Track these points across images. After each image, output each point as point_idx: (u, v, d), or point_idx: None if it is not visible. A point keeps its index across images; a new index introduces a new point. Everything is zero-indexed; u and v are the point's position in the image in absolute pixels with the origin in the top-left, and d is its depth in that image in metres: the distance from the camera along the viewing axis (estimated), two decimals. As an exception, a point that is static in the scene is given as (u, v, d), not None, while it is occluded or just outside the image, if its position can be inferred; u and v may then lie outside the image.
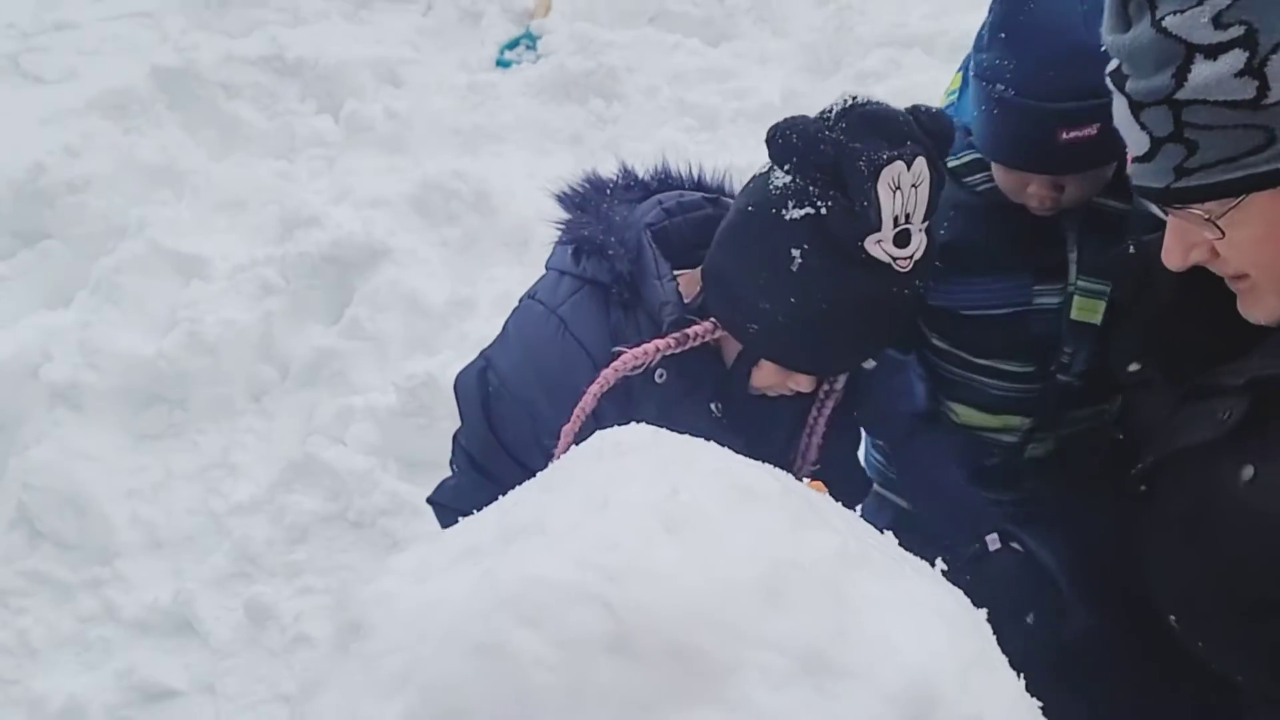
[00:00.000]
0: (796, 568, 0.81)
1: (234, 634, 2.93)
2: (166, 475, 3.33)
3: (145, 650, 2.90)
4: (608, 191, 1.60)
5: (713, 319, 1.47)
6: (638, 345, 1.46)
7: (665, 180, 1.65)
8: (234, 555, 3.10)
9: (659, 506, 0.84)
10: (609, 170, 1.66)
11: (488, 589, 0.79)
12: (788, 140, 1.34)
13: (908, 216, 1.32)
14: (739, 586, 0.79)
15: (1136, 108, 1.10)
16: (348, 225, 3.91)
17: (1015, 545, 1.55)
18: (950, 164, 1.65)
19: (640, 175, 1.65)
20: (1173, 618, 1.31)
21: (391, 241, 3.86)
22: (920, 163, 1.30)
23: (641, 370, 1.47)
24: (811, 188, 1.33)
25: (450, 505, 1.71)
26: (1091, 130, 1.42)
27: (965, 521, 1.62)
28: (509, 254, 4.09)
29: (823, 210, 1.32)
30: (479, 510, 1.66)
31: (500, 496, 1.60)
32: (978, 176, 1.64)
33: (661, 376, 1.48)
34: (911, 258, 1.34)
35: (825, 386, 1.61)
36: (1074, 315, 1.64)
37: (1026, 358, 1.70)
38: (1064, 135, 1.43)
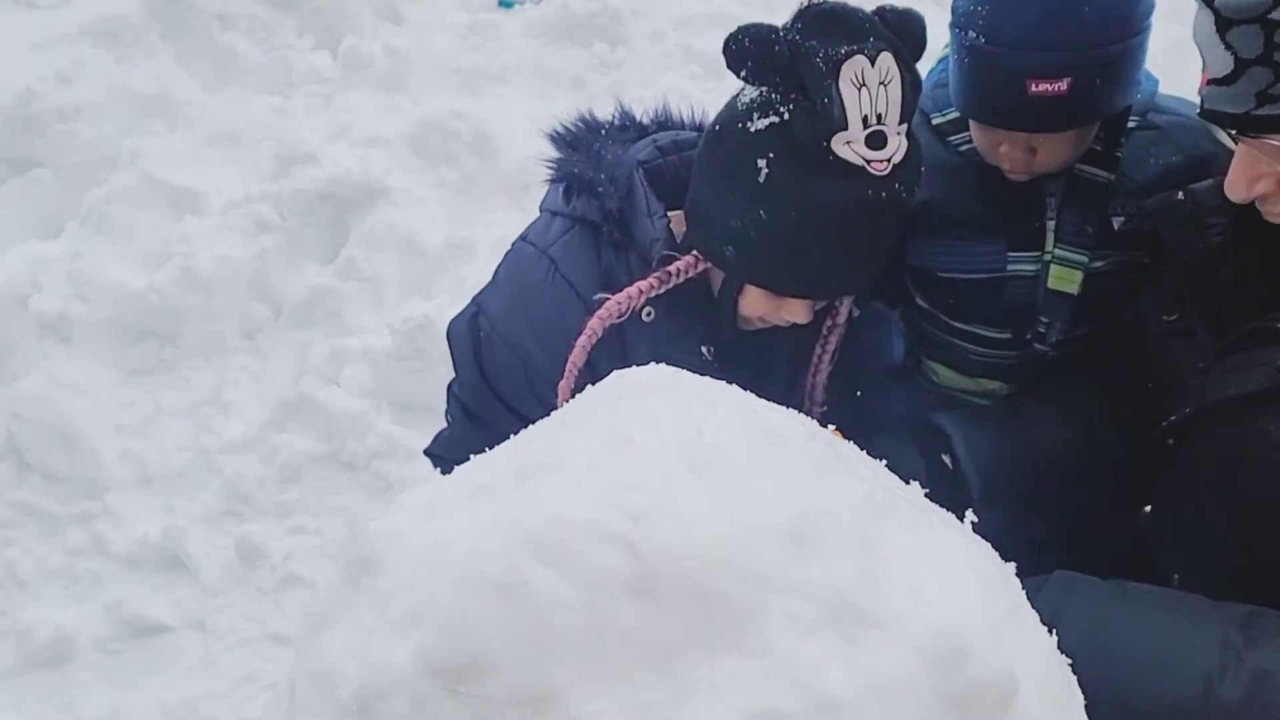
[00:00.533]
0: (824, 515, 0.78)
1: (224, 572, 2.91)
2: (157, 411, 3.30)
3: (135, 585, 2.89)
4: (602, 131, 1.55)
5: (695, 251, 1.43)
6: (622, 290, 1.43)
7: (665, 124, 1.60)
8: (225, 493, 3.08)
9: (683, 447, 0.81)
10: (607, 112, 1.62)
11: (505, 526, 0.76)
12: (741, 45, 1.29)
13: (879, 117, 1.26)
14: (765, 531, 0.76)
15: (1224, 25, 1.04)
16: (344, 164, 3.84)
17: (945, 458, 1.56)
18: (934, 121, 1.63)
19: (638, 117, 1.61)
20: (1177, 576, 1.30)
21: (389, 181, 3.80)
22: (886, 59, 1.25)
23: (627, 315, 1.44)
24: (774, 95, 1.29)
25: (447, 457, 1.67)
26: (1061, 85, 1.37)
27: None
28: (508, 198, 4.03)
29: (785, 116, 1.28)
30: None
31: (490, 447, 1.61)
32: (961, 135, 1.60)
33: (649, 315, 1.45)
34: (889, 160, 1.28)
35: (828, 322, 1.56)
36: (1050, 285, 1.61)
37: (1002, 324, 1.67)
38: (1032, 87, 1.38)
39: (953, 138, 1.61)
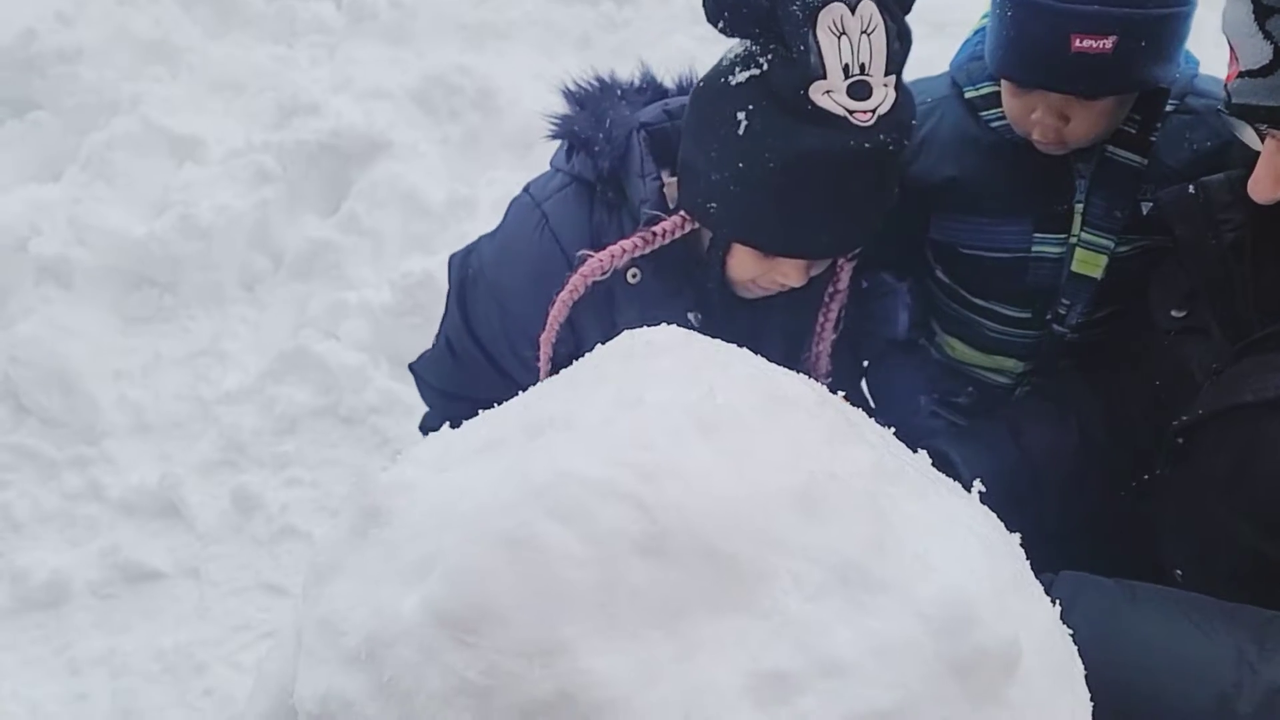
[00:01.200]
0: (834, 479, 0.79)
1: (220, 521, 2.92)
2: (155, 359, 3.29)
3: (130, 531, 2.90)
4: (618, 92, 1.54)
5: (681, 212, 1.41)
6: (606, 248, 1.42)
7: (688, 89, 1.55)
8: (221, 443, 3.08)
9: (694, 408, 0.81)
10: (630, 73, 1.60)
11: (516, 481, 0.76)
12: (719, 2, 1.26)
13: (862, 67, 1.23)
14: (775, 494, 0.77)
15: (1264, 13, 1.02)
16: (348, 115, 3.81)
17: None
18: (967, 94, 1.61)
19: (662, 80, 1.59)
20: (1179, 572, 1.30)
21: (392, 135, 3.77)
22: (868, 6, 1.22)
23: (609, 274, 1.43)
24: (754, 47, 1.27)
25: (425, 378, 1.75)
26: (1107, 43, 1.34)
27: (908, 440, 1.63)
28: (511, 156, 4.01)
29: (764, 67, 1.26)
30: (452, 394, 1.66)
31: (466, 386, 1.64)
32: (993, 111, 1.58)
33: (635, 276, 1.44)
34: (873, 111, 1.25)
35: (829, 289, 1.54)
36: (1074, 268, 1.60)
37: (1023, 304, 1.67)
38: (1076, 43, 1.35)
39: (985, 113, 1.59)
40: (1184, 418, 1.27)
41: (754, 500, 0.76)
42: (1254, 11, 1.04)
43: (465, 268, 1.59)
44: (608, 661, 0.70)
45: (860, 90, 1.24)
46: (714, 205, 1.35)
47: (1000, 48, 1.46)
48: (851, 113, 1.24)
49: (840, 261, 1.50)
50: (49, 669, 2.61)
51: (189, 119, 3.77)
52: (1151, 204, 1.50)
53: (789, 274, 1.40)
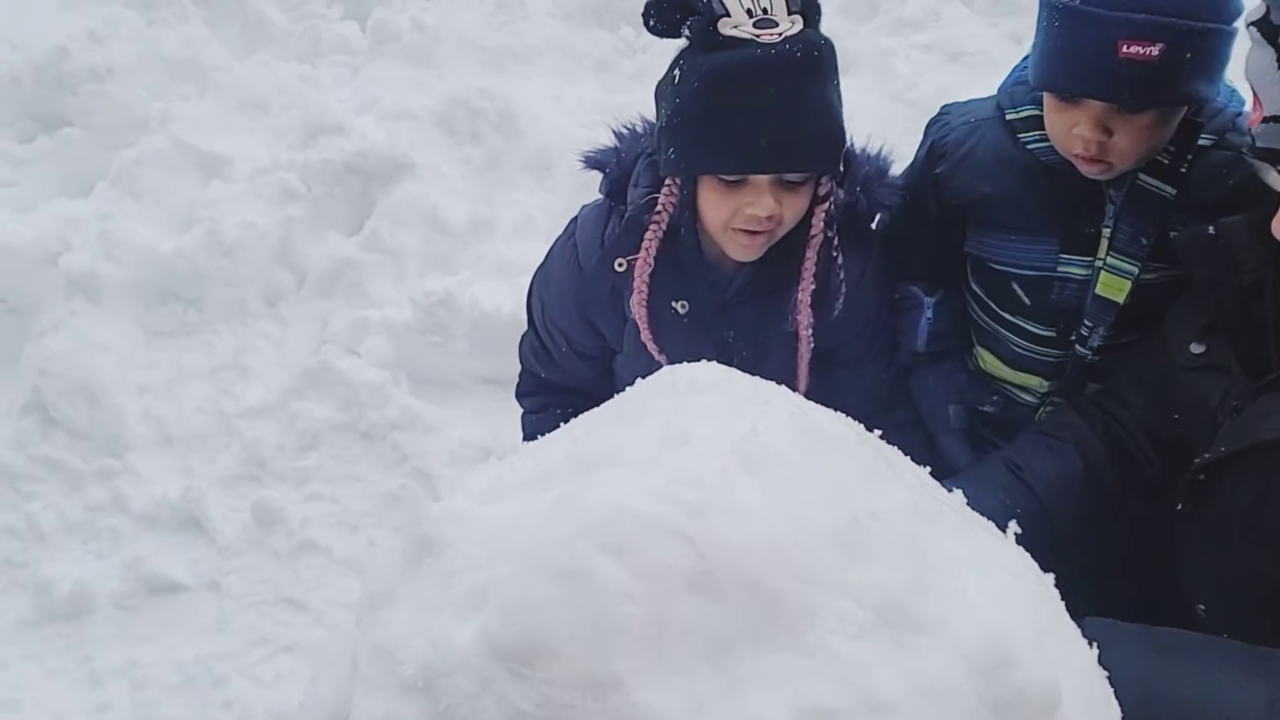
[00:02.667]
0: (876, 519, 0.81)
1: (240, 534, 2.95)
2: (179, 373, 3.32)
3: (152, 543, 2.93)
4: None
5: (665, 187, 1.56)
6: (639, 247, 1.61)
7: None
8: (243, 457, 3.11)
9: (738, 446, 0.84)
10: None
11: (569, 515, 0.79)
12: (649, 5, 1.45)
13: (764, 10, 1.41)
14: (819, 532, 0.79)
15: None
16: (371, 136, 3.86)
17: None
18: (1008, 116, 1.65)
19: None
20: (1201, 607, 1.31)
21: (415, 156, 3.82)
22: None
23: (652, 264, 1.61)
24: (684, 30, 1.45)
25: (523, 363, 1.96)
26: (1153, 50, 1.36)
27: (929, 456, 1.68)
28: (531, 178, 4.05)
29: (686, 34, 1.45)
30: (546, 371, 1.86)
31: (543, 359, 1.85)
32: (1032, 134, 1.62)
33: (621, 266, 1.62)
34: (780, 34, 1.40)
35: (807, 235, 1.59)
36: (1098, 290, 1.62)
37: (1047, 322, 1.70)
38: (1123, 49, 1.37)
39: (1023, 135, 1.63)
40: (1205, 455, 1.29)
41: (798, 538, 0.79)
42: (1277, 59, 1.06)
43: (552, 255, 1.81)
44: (659, 696, 0.72)
45: (766, 24, 1.41)
46: (671, 151, 1.50)
47: (1045, 58, 1.48)
48: (757, 36, 1.41)
49: (814, 209, 1.57)
50: (71, 679, 2.63)
51: (216, 137, 3.82)
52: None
53: (754, 202, 1.49)
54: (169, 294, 3.46)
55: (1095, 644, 0.84)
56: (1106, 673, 0.86)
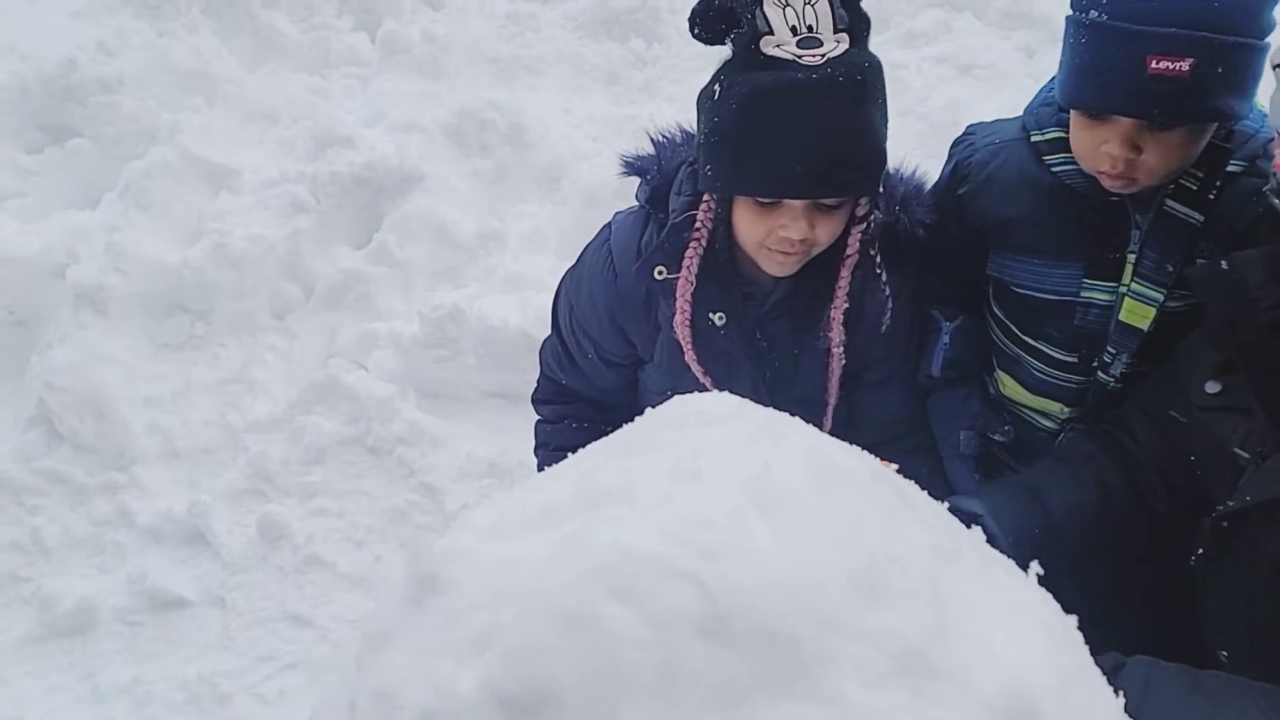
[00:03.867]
0: (893, 561, 0.78)
1: (246, 549, 2.93)
2: (186, 386, 3.32)
3: (157, 558, 2.92)
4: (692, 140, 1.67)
5: (704, 202, 1.56)
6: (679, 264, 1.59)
7: None
8: (249, 471, 3.10)
9: (751, 484, 0.81)
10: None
11: (575, 556, 0.76)
12: (692, 15, 1.44)
13: (810, 28, 1.37)
14: (835, 576, 0.76)
15: None
16: (380, 148, 3.86)
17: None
18: (1033, 138, 1.63)
19: None
20: (1224, 653, 1.27)
21: (424, 168, 3.82)
22: None
23: (695, 281, 1.61)
24: (729, 39, 1.44)
25: (544, 368, 1.95)
26: (1183, 65, 1.33)
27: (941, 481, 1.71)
28: (540, 190, 4.04)
29: (729, 49, 1.45)
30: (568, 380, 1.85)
31: (566, 366, 1.85)
32: (1058, 156, 1.60)
33: (661, 274, 1.61)
34: (823, 55, 1.37)
35: (843, 255, 1.57)
36: (1122, 316, 1.60)
37: (1070, 348, 1.67)
38: (1153, 64, 1.34)
39: (1049, 157, 1.60)
40: (1230, 503, 1.25)
41: (813, 582, 0.76)
42: None
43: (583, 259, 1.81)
44: (668, 748, 0.69)
45: (809, 43, 1.38)
46: (709, 167, 1.48)
47: (1073, 75, 1.46)
48: (799, 57, 1.37)
49: (851, 230, 1.56)
50: (74, 696, 2.62)
51: (225, 149, 3.82)
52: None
53: (789, 225, 1.48)
54: (176, 306, 3.45)
55: (1136, 685, 0.81)
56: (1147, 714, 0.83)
